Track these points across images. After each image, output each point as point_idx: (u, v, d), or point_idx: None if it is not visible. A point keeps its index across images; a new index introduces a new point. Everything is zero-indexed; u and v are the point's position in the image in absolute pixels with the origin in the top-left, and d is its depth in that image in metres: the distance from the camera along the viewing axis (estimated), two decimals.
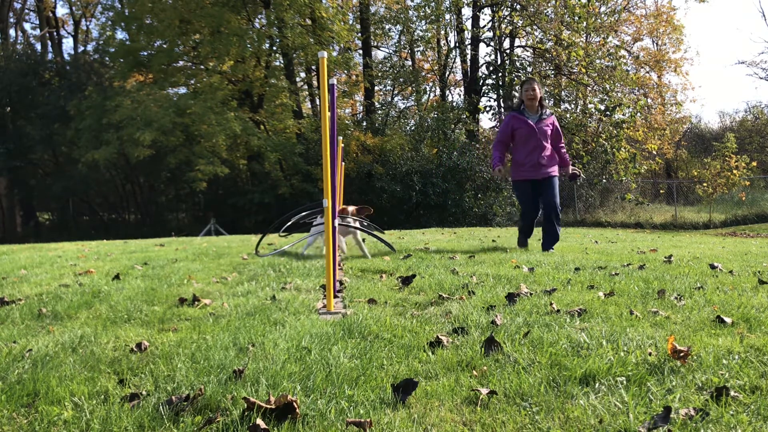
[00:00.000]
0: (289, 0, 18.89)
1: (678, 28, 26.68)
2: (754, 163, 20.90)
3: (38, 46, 28.08)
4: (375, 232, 5.71)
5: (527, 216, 5.84)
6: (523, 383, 1.72)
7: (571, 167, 5.92)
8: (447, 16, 23.37)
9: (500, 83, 22.60)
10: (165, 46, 20.06)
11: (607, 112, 18.53)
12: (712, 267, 4.01)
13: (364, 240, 5.37)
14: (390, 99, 27.36)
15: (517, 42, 23.96)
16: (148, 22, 19.85)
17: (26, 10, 29.78)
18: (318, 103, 23.89)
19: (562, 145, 5.81)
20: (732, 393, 1.59)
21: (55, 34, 28.36)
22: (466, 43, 23.97)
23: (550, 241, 5.76)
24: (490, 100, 23.47)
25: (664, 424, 1.41)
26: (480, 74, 23.14)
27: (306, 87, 24.13)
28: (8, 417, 1.60)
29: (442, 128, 20.29)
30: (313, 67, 22.28)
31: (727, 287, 3.20)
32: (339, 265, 4.12)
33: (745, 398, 1.58)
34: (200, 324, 2.56)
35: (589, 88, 20.68)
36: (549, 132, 5.66)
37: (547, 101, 6.15)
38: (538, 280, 3.59)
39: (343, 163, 5.29)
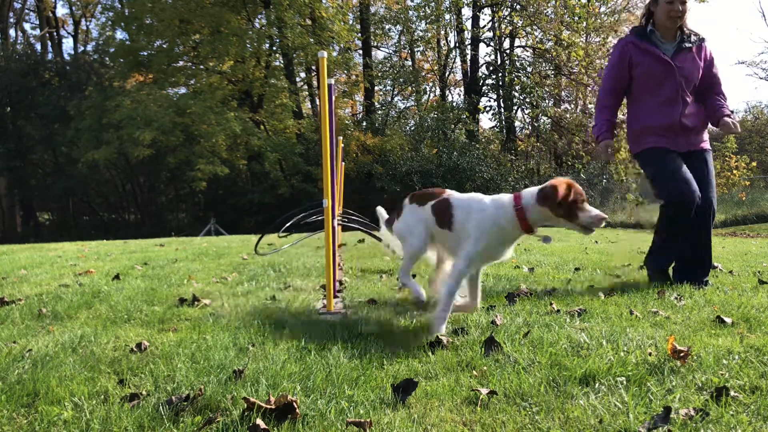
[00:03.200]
0: (289, 0, 18.90)
1: None
2: (754, 163, 20.87)
3: (38, 46, 28.11)
4: (367, 229, 5.68)
5: (680, 203, 3.19)
6: (523, 383, 1.72)
7: (728, 118, 3.34)
8: (447, 16, 23.38)
9: (500, 83, 22.62)
10: (165, 46, 20.10)
11: None
12: (712, 267, 4.00)
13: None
14: (390, 99, 27.36)
15: (517, 42, 23.96)
16: (148, 22, 19.88)
17: (26, 10, 29.79)
18: (318, 103, 23.88)
19: (720, 91, 3.43)
20: (732, 393, 1.59)
21: (55, 34, 28.35)
22: (466, 43, 23.98)
23: (696, 269, 3.35)
24: (490, 100, 23.49)
25: (664, 424, 1.41)
26: (480, 74, 23.14)
27: (306, 87, 24.13)
28: (8, 417, 1.59)
29: (442, 128, 20.30)
30: (313, 67, 22.31)
31: (727, 287, 3.20)
32: (339, 265, 4.12)
33: (745, 398, 1.58)
34: (200, 324, 2.56)
35: (589, 88, 20.68)
36: (697, 72, 3.35)
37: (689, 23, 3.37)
38: (538, 280, 3.59)
39: (343, 163, 5.26)
